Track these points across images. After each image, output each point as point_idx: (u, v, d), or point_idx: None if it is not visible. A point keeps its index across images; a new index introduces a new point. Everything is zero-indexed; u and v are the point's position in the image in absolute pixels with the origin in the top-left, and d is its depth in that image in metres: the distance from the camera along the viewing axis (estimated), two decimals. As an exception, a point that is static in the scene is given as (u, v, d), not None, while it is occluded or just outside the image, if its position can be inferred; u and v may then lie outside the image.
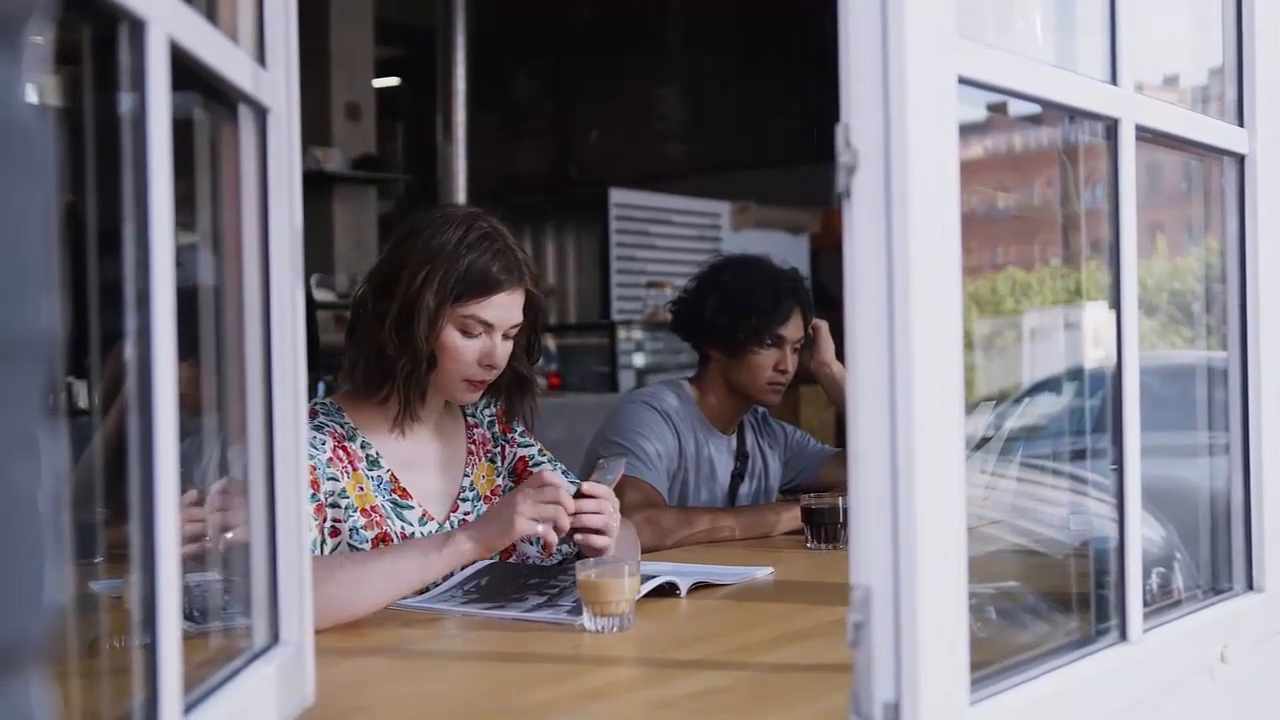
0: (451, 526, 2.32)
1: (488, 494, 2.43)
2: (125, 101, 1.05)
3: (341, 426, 2.27)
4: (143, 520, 1.04)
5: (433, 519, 2.32)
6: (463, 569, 2.20)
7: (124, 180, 1.05)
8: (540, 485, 2.10)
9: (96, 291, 1.06)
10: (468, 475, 2.42)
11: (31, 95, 0.61)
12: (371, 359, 2.27)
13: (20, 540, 0.58)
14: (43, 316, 0.60)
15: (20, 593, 0.58)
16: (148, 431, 1.04)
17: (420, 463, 2.36)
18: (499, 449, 2.50)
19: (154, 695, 1.04)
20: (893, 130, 1.20)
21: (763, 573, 2.40)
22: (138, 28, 1.03)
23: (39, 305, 0.60)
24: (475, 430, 2.47)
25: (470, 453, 2.44)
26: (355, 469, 2.25)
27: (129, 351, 1.04)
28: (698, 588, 2.23)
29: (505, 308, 2.28)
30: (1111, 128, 1.57)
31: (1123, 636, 1.56)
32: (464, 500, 2.39)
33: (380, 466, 2.29)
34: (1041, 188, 2.12)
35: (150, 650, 1.04)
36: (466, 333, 2.27)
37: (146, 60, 1.03)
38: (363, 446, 2.29)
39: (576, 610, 1.94)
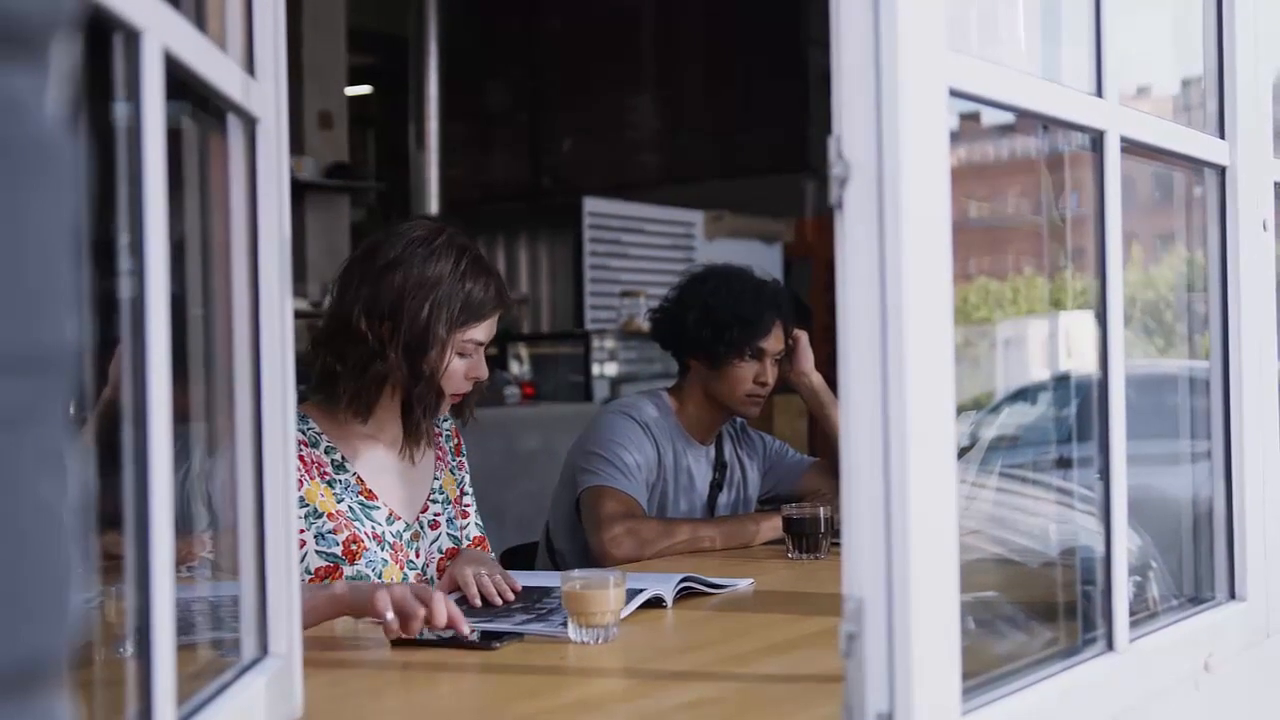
0: (420, 526, 2.42)
1: (454, 499, 2.52)
2: (119, 110, 1.05)
3: (304, 433, 2.30)
4: (137, 533, 1.03)
5: (399, 518, 2.38)
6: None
7: (118, 189, 1.04)
8: (426, 598, 1.89)
9: (90, 301, 1.05)
10: (437, 478, 2.49)
11: (57, 108, 0.61)
12: (374, 387, 2.32)
13: (46, 556, 0.58)
14: (67, 330, 0.60)
15: (46, 608, 0.58)
16: (142, 442, 1.03)
17: (389, 467, 2.41)
18: (456, 463, 2.58)
19: (148, 708, 1.03)
20: (885, 142, 1.20)
21: (745, 584, 2.41)
22: (133, 37, 1.02)
23: (64, 319, 0.60)
24: (439, 439, 2.55)
25: (439, 458, 2.51)
26: (313, 476, 2.29)
27: (124, 361, 1.03)
28: (684, 595, 2.23)
29: (494, 326, 2.39)
30: (1097, 139, 1.58)
31: (1109, 646, 1.56)
32: (434, 501, 2.47)
33: (347, 470, 2.34)
34: (1014, 198, 2.13)
35: (144, 663, 1.03)
36: (462, 355, 2.35)
37: (141, 70, 1.03)
38: (327, 452, 2.34)
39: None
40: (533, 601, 2.18)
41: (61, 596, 0.59)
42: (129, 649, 1.16)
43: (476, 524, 2.58)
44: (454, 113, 8.90)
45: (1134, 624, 1.62)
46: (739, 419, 3.27)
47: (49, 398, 0.59)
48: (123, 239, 1.04)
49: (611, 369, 7.61)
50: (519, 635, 1.94)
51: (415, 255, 2.31)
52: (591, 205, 8.23)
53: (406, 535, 2.38)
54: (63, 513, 0.59)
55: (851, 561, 1.21)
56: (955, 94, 1.29)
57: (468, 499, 2.58)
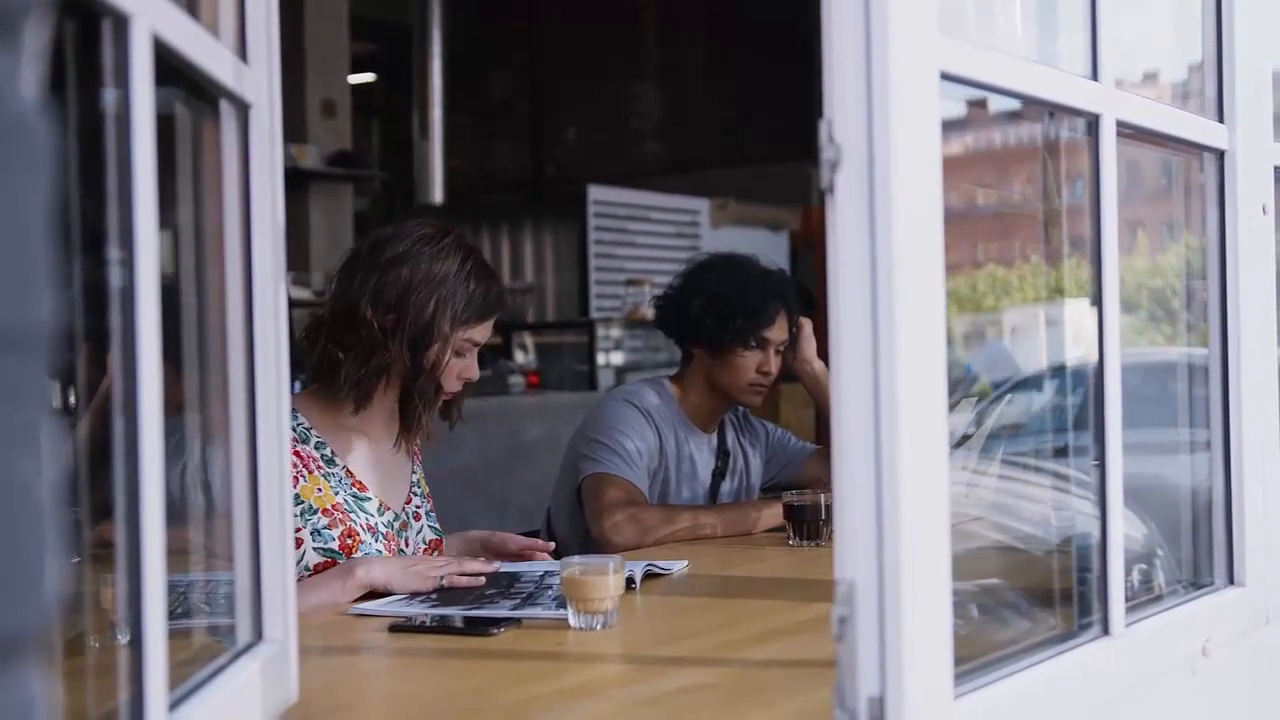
0: (406, 515, 2.46)
1: (427, 493, 2.57)
2: (108, 97, 1.05)
3: (294, 430, 2.31)
4: (128, 520, 1.04)
5: (389, 508, 2.42)
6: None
7: (107, 176, 1.04)
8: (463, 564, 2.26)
9: (79, 289, 1.06)
10: (415, 472, 2.54)
11: (30, 89, 0.61)
12: (374, 377, 2.34)
13: (23, 533, 0.58)
14: (44, 310, 0.61)
15: (23, 585, 0.58)
16: (133, 430, 1.03)
17: (374, 460, 2.44)
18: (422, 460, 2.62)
19: (139, 693, 1.03)
20: (875, 126, 1.20)
21: (679, 565, 2.44)
22: (121, 23, 1.02)
23: (40, 298, 0.61)
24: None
25: (415, 455, 2.56)
26: (311, 470, 2.32)
27: (114, 351, 1.03)
28: (647, 577, 2.28)
29: (490, 328, 2.44)
30: (1093, 123, 1.58)
31: (1105, 631, 1.56)
32: (415, 494, 2.52)
33: (336, 464, 2.37)
34: (1021, 184, 2.12)
35: (135, 648, 1.03)
36: (458, 353, 2.38)
37: (130, 55, 1.03)
38: (316, 447, 2.36)
39: (562, 604, 1.94)
40: (506, 586, 2.18)
41: (37, 574, 0.59)
42: (127, 635, 1.16)
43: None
44: (457, 102, 8.90)
45: (1131, 609, 1.61)
46: (742, 407, 3.27)
47: (25, 376, 0.59)
48: (113, 227, 1.04)
49: (616, 358, 7.61)
50: (517, 621, 1.94)
51: (423, 252, 2.35)
52: (596, 194, 8.23)
53: (396, 525, 2.41)
54: (39, 491, 0.60)
55: (843, 544, 1.21)
56: (947, 78, 1.29)
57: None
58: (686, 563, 2.47)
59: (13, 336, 0.58)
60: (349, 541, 2.30)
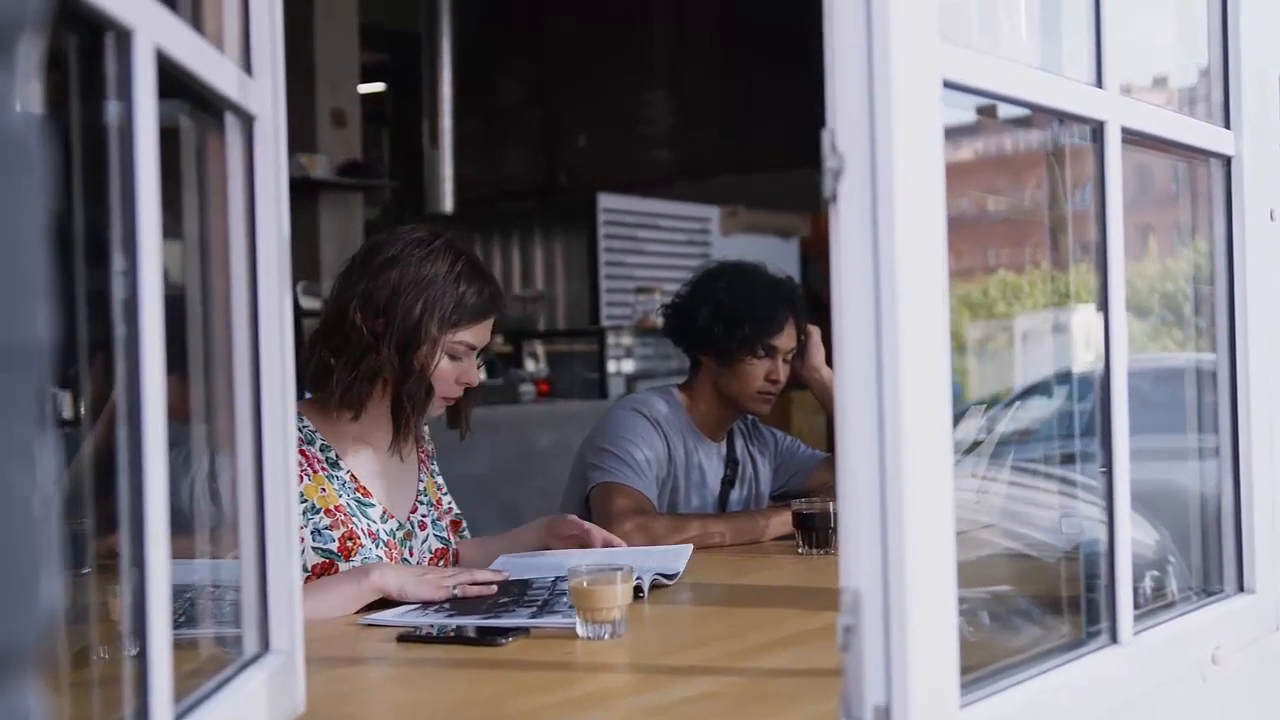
0: (411, 525, 2.47)
1: (435, 501, 2.56)
2: (111, 110, 1.05)
3: (300, 431, 2.32)
4: (132, 531, 1.04)
5: (393, 517, 2.43)
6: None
7: (110, 189, 1.05)
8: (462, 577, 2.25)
9: (83, 301, 1.06)
10: (421, 481, 2.54)
11: (24, 105, 0.61)
12: (366, 381, 2.34)
13: (17, 547, 0.58)
14: (39, 325, 0.61)
15: (17, 599, 0.58)
16: (137, 441, 1.04)
17: (379, 467, 2.45)
18: (434, 468, 2.62)
19: (145, 704, 1.04)
20: (878, 135, 1.20)
21: (685, 552, 2.46)
22: (124, 37, 1.03)
23: (35, 313, 0.61)
24: (421, 443, 2.59)
25: (422, 462, 2.56)
26: (316, 471, 2.34)
27: (118, 362, 1.04)
28: (655, 586, 2.27)
29: (486, 331, 2.43)
30: (1098, 130, 1.57)
31: (1113, 639, 1.56)
32: (421, 503, 2.52)
33: (341, 468, 2.38)
34: (1032, 190, 2.12)
35: (141, 660, 1.04)
36: (453, 357, 2.39)
37: (133, 69, 1.03)
38: (322, 450, 2.37)
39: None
40: (519, 595, 2.18)
41: (32, 588, 0.59)
42: (136, 647, 1.17)
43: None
44: (467, 110, 8.90)
45: (1141, 616, 1.61)
46: (750, 415, 3.26)
47: (19, 390, 0.60)
48: (116, 239, 1.05)
49: (627, 366, 7.61)
50: (525, 631, 1.94)
51: (412, 255, 2.36)
52: (606, 201, 8.24)
53: (399, 534, 2.42)
54: (34, 504, 0.60)
55: (848, 552, 1.21)
56: (949, 85, 1.29)
57: (448, 497, 2.62)
58: (690, 546, 2.49)
59: (7, 351, 0.58)
60: (349, 544, 2.30)
